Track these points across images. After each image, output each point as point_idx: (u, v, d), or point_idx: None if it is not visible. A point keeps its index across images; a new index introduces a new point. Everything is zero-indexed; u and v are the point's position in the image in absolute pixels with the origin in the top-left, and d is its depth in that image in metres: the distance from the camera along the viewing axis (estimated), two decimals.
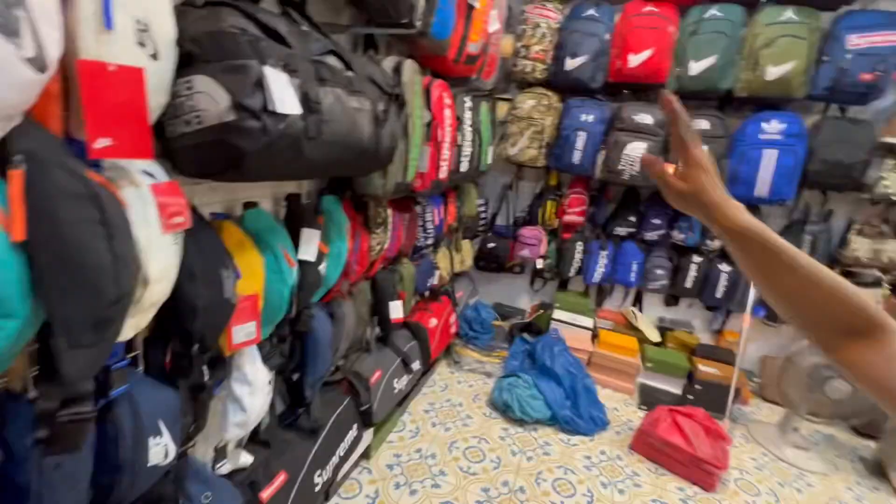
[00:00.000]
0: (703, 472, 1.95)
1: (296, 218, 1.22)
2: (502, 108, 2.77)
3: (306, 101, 0.82)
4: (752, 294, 2.45)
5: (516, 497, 1.77)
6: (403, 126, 1.33)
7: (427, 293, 2.38)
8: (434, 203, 2.06)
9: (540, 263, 2.85)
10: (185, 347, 0.86)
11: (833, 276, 0.50)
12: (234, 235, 0.98)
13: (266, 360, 1.16)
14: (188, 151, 0.76)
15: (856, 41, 2.08)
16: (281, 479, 1.22)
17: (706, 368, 2.49)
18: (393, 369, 1.86)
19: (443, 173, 1.76)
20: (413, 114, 1.39)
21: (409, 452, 1.93)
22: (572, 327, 2.78)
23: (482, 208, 2.89)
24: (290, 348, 1.33)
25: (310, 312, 1.33)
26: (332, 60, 0.94)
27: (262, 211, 1.11)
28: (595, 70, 2.44)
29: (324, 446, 1.40)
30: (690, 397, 2.48)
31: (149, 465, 0.79)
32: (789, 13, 2.15)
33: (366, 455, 1.85)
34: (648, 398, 2.51)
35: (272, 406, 1.31)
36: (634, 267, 2.75)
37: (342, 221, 1.35)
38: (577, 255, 2.80)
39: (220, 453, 1.12)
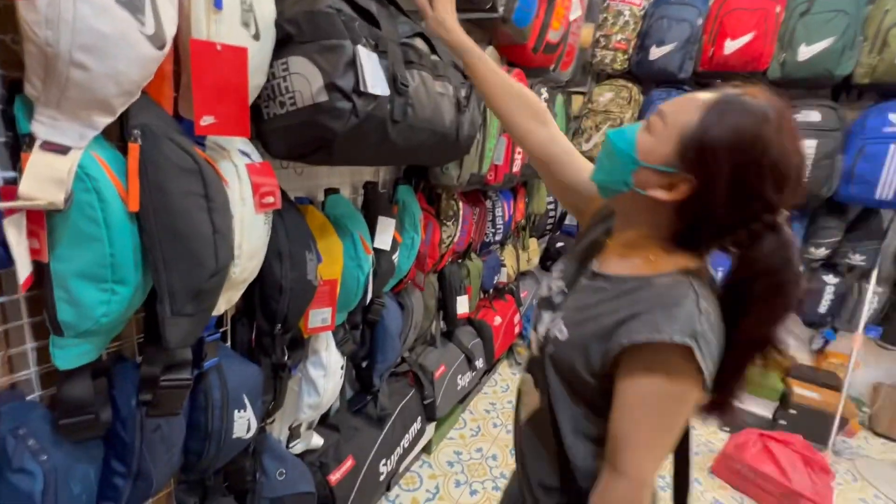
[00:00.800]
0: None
1: (372, 206, 1.22)
2: (577, 102, 2.64)
3: (394, 82, 0.81)
4: (866, 311, 2.14)
5: None
6: (482, 115, 1.29)
7: (492, 290, 2.33)
8: (504, 198, 2.00)
9: None
10: (270, 326, 0.89)
11: (518, 84, 0.84)
12: (316, 219, 1.00)
13: (339, 345, 1.18)
14: (281, 133, 0.77)
15: None
16: (349, 464, 1.23)
17: (804, 392, 2.21)
18: (457, 365, 1.84)
19: (516, 167, 1.70)
20: None
21: (470, 451, 1.90)
22: None
23: (551, 206, 2.78)
24: (360, 335, 1.35)
25: (382, 301, 1.33)
26: (420, 43, 0.93)
27: (343, 197, 1.12)
28: (684, 58, 2.25)
29: (389, 436, 1.40)
30: (783, 423, 2.21)
31: (234, 436, 0.82)
32: None
33: (426, 449, 1.84)
34: (734, 419, 2.27)
35: (343, 391, 1.33)
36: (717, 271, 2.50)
37: (416, 212, 1.34)
38: None
39: (294, 433, 1.15)
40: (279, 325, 0.88)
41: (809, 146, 2.05)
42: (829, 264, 2.31)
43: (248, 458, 0.96)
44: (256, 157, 0.76)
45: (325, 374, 1.10)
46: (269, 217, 0.78)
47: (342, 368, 1.19)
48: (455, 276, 1.77)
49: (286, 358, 0.96)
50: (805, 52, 2.02)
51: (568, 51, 2.03)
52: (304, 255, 0.87)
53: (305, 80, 0.72)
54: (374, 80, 0.74)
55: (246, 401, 0.84)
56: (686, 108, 0.55)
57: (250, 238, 0.72)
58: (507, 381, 2.46)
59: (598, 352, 0.57)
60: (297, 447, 1.17)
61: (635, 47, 2.37)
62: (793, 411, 2.21)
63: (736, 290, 0.56)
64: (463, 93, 1.06)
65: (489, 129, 1.36)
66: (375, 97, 0.75)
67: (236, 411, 0.81)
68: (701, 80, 2.44)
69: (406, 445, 1.52)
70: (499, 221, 1.95)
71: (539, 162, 0.83)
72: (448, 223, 1.59)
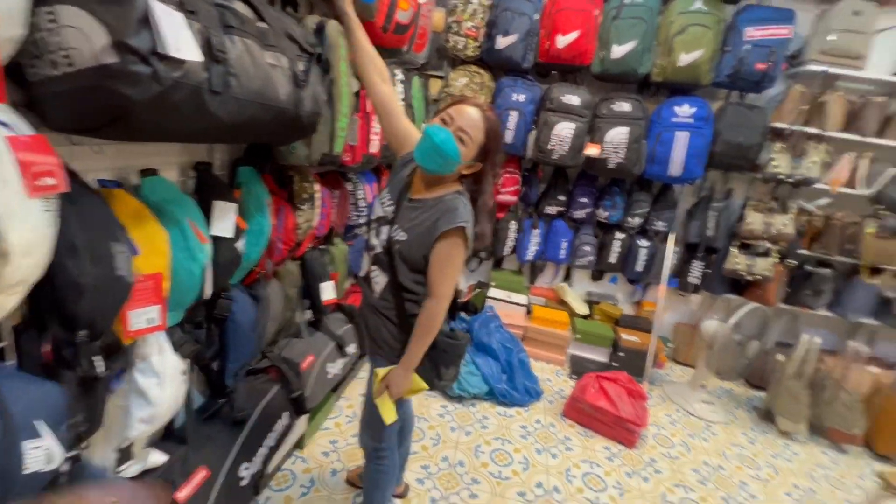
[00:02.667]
0: (626, 431, 2.11)
1: (207, 190, 1.10)
2: (435, 86, 2.72)
3: (209, 48, 0.72)
4: (667, 266, 2.66)
5: (455, 471, 1.79)
6: (328, 91, 1.24)
7: (360, 275, 2.31)
8: (367, 180, 1.98)
9: None
10: (69, 334, 0.74)
11: (374, 49, 1.24)
12: (128, 206, 0.86)
13: (178, 347, 1.04)
14: (58, 100, 0.64)
15: (752, 33, 2.29)
16: (201, 475, 1.12)
17: (628, 337, 2.68)
18: (327, 353, 1.78)
19: (374, 148, 1.69)
20: (339, 80, 1.31)
21: (347, 438, 1.88)
22: (507, 304, 2.85)
23: None
24: (207, 334, 1.22)
25: (229, 294, 1.22)
26: (241, 7, 0.84)
27: (164, 179, 0.98)
28: (526, 49, 2.47)
29: (250, 437, 1.30)
30: (615, 364, 2.66)
31: (26, 471, 0.67)
32: (699, 3, 2.30)
33: (299, 445, 1.77)
34: (578, 367, 2.66)
35: (188, 398, 1.19)
36: (564, 244, 2.87)
37: (262, 195, 1.25)
38: (511, 234, 2.86)
39: (125, 454, 1.00)
40: (83, 330, 0.74)
41: (623, 132, 2.44)
42: (643, 231, 2.81)
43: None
44: (24, 130, 0.62)
45: (159, 381, 0.97)
46: (51, 203, 0.64)
47: (184, 373, 1.06)
48: (317, 262, 1.70)
49: (100, 369, 0.81)
50: (617, 51, 2.37)
51: (420, 33, 2.06)
52: (110, 248, 0.74)
53: (83, 36, 0.60)
54: (179, 42, 0.65)
55: (41, 427, 0.69)
56: (477, 128, 1.05)
57: (21, 229, 0.58)
58: None
59: (426, 242, 1.06)
60: (132, 469, 1.02)
61: (484, 35, 2.52)
62: (621, 354, 2.67)
63: (474, 195, 1.13)
64: (301, 66, 1.01)
65: (338, 107, 1.31)
66: (183, 62, 0.66)
67: (26, 442, 0.67)
68: (541, 70, 2.71)
69: (272, 444, 1.43)
70: (362, 204, 1.93)
71: (380, 112, 1.22)
72: (304, 207, 1.51)
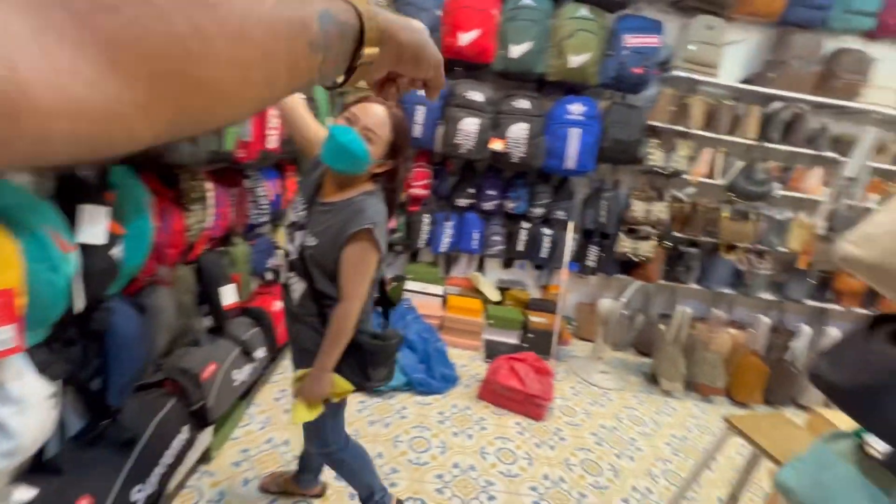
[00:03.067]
0: (534, 406, 2.29)
1: (70, 193, 0.99)
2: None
3: None
4: (568, 252, 2.90)
5: (375, 463, 1.82)
6: None
7: (269, 275, 2.22)
8: (267, 176, 1.89)
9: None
10: None
11: None
12: None
13: (43, 369, 0.94)
14: None
15: (630, 40, 2.56)
16: None
17: (536, 319, 2.89)
18: (231, 360, 1.70)
19: (272, 143, 1.62)
20: None
21: (259, 444, 1.81)
22: (424, 296, 2.91)
23: None
24: (83, 351, 1.10)
25: (107, 307, 1.11)
26: None
27: (7, 182, 0.87)
28: None
29: (142, 458, 1.21)
30: (525, 345, 2.85)
31: None
32: (584, 10, 2.51)
33: (205, 458, 1.67)
34: (492, 351, 2.81)
35: (62, 423, 1.08)
36: (476, 235, 2.99)
37: (140, 196, 1.15)
38: (425, 227, 2.92)
39: None
40: None
41: (524, 128, 2.60)
42: (546, 220, 3.02)
43: None
44: None
45: (19, 409, 0.86)
46: None
47: (52, 397, 0.96)
48: (214, 264, 1.61)
49: None
50: (515, 51, 2.51)
51: None
52: None
53: None
54: None
55: None
56: (383, 126, 1.05)
57: None
58: None
59: (336, 246, 1.06)
60: None
61: None
62: (530, 335, 2.87)
63: (389, 193, 1.15)
64: None
65: None
66: None
67: None
68: (446, 66, 2.77)
69: (170, 462, 1.34)
70: (262, 202, 1.85)
71: (285, 119, 1.25)
72: (194, 207, 1.41)
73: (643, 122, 2.71)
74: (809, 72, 2.65)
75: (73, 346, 1.07)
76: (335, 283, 1.10)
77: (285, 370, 2.34)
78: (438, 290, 2.97)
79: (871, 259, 0.68)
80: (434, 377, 2.38)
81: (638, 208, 2.82)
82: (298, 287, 1.15)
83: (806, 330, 2.80)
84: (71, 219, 0.97)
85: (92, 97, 0.16)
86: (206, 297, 1.61)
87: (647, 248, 2.89)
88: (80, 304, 0.98)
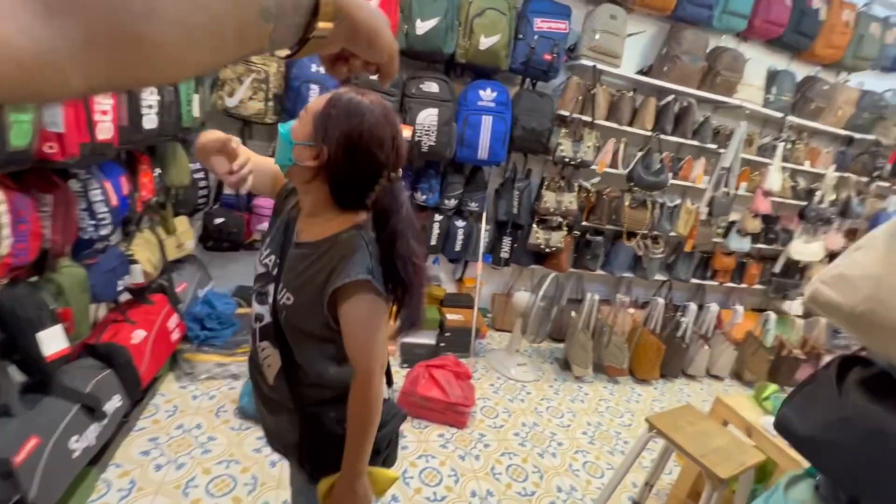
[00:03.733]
0: (456, 414, 2.16)
1: None
2: None
3: None
4: (482, 244, 2.79)
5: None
6: None
7: (125, 298, 1.74)
8: (106, 175, 1.43)
9: None
10: None
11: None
12: None
13: None
14: None
15: (540, 24, 2.45)
16: None
17: (453, 316, 2.75)
18: (65, 426, 1.26)
19: (104, 133, 1.19)
20: None
21: None
22: None
23: (200, 175, 2.28)
24: None
25: None
26: None
27: None
28: None
29: None
30: (443, 345, 2.71)
31: None
32: None
33: None
34: (409, 356, 2.62)
35: None
36: None
37: None
38: None
39: None
40: None
41: (433, 114, 2.37)
42: (458, 212, 2.87)
43: None
44: None
45: None
46: None
47: None
48: (25, 302, 1.16)
49: None
50: (421, 27, 2.25)
51: None
52: None
53: None
54: None
55: None
56: (319, 100, 0.77)
57: None
58: (175, 400, 1.98)
59: (319, 303, 0.77)
60: None
61: None
62: (448, 334, 2.73)
63: (383, 231, 0.78)
64: None
65: None
66: None
67: None
68: None
69: None
70: (100, 207, 1.39)
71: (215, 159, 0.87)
72: None
73: (553, 110, 2.66)
74: (696, 67, 2.80)
75: None
76: (322, 353, 0.83)
77: (157, 410, 1.90)
78: None
79: (849, 306, 0.59)
80: None
81: (549, 199, 2.80)
82: (273, 362, 0.86)
83: (692, 307, 3.06)
84: None
85: (23, 42, 0.17)
86: (13, 349, 1.16)
87: (558, 239, 2.90)
88: None
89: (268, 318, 0.85)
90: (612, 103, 2.83)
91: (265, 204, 2.38)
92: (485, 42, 2.34)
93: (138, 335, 1.70)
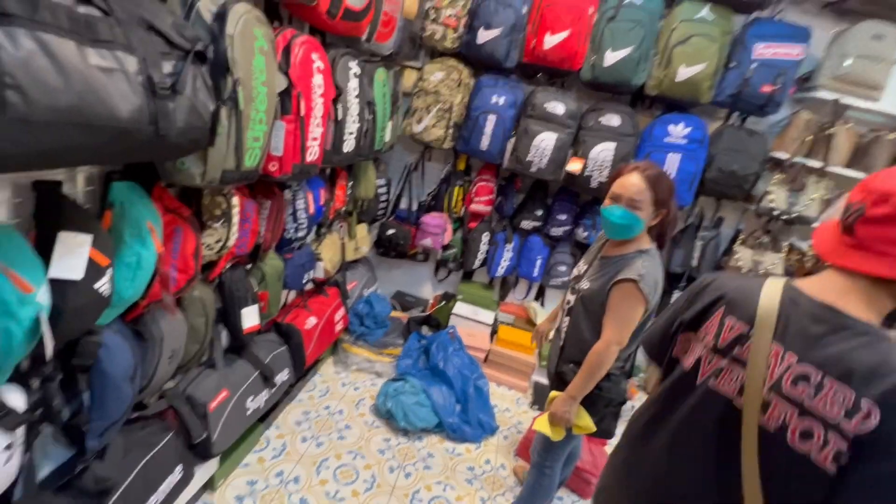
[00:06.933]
0: (581, 481, 1.94)
1: (52, 216, 0.85)
2: (410, 77, 2.45)
3: None
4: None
5: None
6: (231, 98, 0.98)
7: (308, 288, 2.08)
8: (310, 187, 1.73)
9: (441, 253, 2.66)
10: None
11: None
12: None
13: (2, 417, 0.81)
14: None
15: (761, 50, 2.05)
16: None
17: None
18: (247, 387, 1.56)
19: (312, 155, 1.44)
20: (252, 80, 1.05)
21: (268, 477, 1.68)
22: (472, 323, 2.64)
23: (383, 190, 2.59)
24: (67, 387, 0.99)
25: (94, 340, 0.98)
26: None
27: None
28: (510, 46, 2.20)
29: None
30: None
31: None
32: (705, 11, 2.05)
33: (210, 485, 1.56)
34: (542, 397, 2.48)
35: (29, 467, 0.97)
36: (539, 262, 2.65)
37: (142, 217, 1.00)
38: (483, 247, 2.64)
39: None
40: None
41: (609, 148, 2.21)
42: None
43: None
44: None
45: None
46: None
47: (9, 448, 0.84)
48: (238, 284, 1.47)
49: None
50: (611, 57, 2.12)
51: (385, 20, 1.79)
52: None
53: None
54: None
55: None
56: (643, 191, 1.22)
57: None
58: (329, 382, 2.27)
59: (604, 290, 1.25)
60: None
61: (465, 26, 2.24)
62: None
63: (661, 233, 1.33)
64: (166, 68, 0.75)
65: (248, 114, 1.06)
66: None
67: None
68: (527, 72, 2.45)
69: (159, 501, 1.22)
70: (301, 215, 1.68)
71: None
72: (215, 225, 1.26)
73: (765, 151, 2.19)
74: None
75: (51, 383, 0.95)
76: (594, 325, 1.28)
77: (314, 387, 2.21)
78: (489, 317, 2.68)
79: None
80: (469, 422, 2.12)
81: (744, 256, 2.31)
82: (565, 324, 1.39)
83: None
84: (49, 247, 0.83)
85: None
86: (226, 318, 1.48)
87: None
88: (50, 349, 0.84)
89: (571, 302, 1.36)
90: (858, 147, 2.19)
91: (431, 221, 2.56)
92: (684, 72, 2.07)
93: (311, 322, 2.00)
